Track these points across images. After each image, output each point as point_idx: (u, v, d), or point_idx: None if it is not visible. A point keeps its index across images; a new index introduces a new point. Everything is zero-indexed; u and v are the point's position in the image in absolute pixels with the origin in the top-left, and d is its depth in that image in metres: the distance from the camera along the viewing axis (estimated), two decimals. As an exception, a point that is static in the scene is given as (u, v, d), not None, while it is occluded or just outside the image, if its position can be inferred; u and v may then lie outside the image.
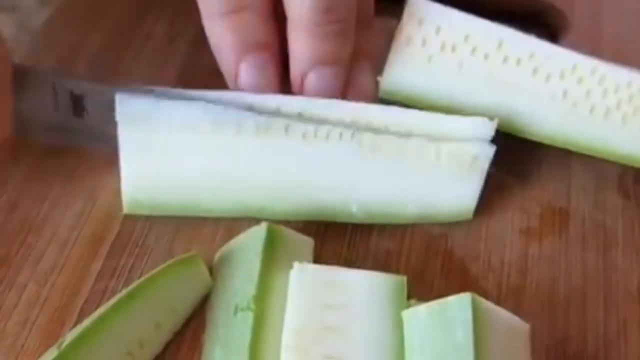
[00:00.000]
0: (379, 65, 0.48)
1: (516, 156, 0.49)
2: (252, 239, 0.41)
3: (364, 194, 0.45)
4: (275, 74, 0.45)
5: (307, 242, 0.43)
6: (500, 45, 0.48)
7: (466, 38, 0.48)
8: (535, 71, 0.48)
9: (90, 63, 0.53)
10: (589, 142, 0.48)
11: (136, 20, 0.56)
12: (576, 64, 0.48)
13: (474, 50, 0.48)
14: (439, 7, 0.48)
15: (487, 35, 0.48)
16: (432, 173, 0.45)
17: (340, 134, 0.44)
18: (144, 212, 0.45)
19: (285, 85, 0.45)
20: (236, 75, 0.44)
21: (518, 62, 0.48)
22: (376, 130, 0.45)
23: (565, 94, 0.47)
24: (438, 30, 0.47)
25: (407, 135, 0.45)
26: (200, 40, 0.45)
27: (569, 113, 0.48)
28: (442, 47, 0.48)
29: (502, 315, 0.37)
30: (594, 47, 0.56)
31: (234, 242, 0.43)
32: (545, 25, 0.59)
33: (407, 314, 0.37)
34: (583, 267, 0.45)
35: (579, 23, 0.58)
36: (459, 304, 0.36)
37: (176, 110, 0.43)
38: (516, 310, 0.42)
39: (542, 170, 0.49)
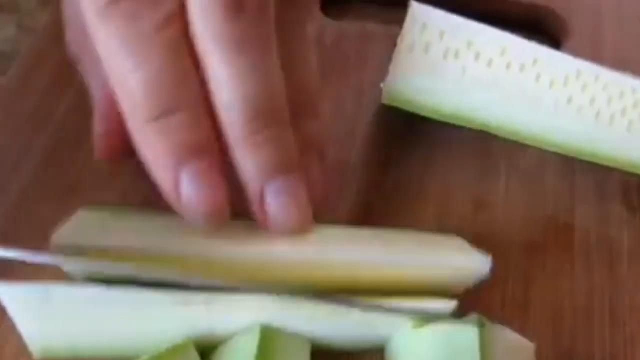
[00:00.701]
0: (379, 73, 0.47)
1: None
2: (244, 344, 0.37)
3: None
4: (220, 180, 0.38)
5: (303, 344, 0.39)
6: (503, 51, 0.47)
7: (469, 44, 0.47)
8: (538, 77, 0.47)
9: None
10: (594, 149, 0.48)
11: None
12: (580, 70, 0.47)
13: (477, 56, 0.47)
14: (441, 13, 0.47)
15: (490, 41, 0.47)
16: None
17: None
18: (61, 356, 0.38)
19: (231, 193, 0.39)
20: (176, 188, 0.37)
21: (521, 68, 0.47)
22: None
23: (569, 100, 0.47)
24: (441, 36, 0.47)
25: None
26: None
27: (574, 119, 0.47)
28: (445, 53, 0.47)
29: (507, 336, 0.37)
30: (595, 53, 0.56)
31: (224, 348, 0.38)
32: (545, 32, 0.59)
33: (411, 336, 0.37)
34: (588, 281, 0.44)
35: (580, 29, 0.57)
36: (465, 327, 0.35)
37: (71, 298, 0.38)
38: (521, 326, 0.42)
39: (545, 183, 0.48)
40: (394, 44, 0.48)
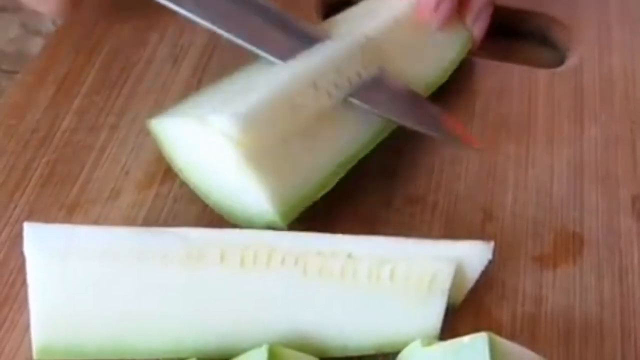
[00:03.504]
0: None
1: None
2: None
3: (312, 328, 0.40)
4: None
5: None
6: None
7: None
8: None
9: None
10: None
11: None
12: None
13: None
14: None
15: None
16: (388, 297, 0.40)
17: (283, 259, 0.39)
18: (58, 358, 0.39)
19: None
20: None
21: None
22: (323, 254, 0.40)
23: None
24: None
25: (358, 258, 0.40)
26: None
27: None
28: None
29: (518, 351, 0.36)
30: (601, 62, 0.55)
31: None
32: (552, 42, 0.58)
33: (421, 353, 0.36)
34: (599, 294, 0.44)
35: (586, 38, 0.57)
36: (475, 343, 0.35)
37: (94, 239, 0.39)
38: (532, 340, 0.42)
39: (554, 195, 0.48)
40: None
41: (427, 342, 0.37)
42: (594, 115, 0.52)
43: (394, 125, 0.48)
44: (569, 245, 0.46)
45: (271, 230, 0.41)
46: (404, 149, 0.50)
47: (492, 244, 0.41)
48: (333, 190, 0.44)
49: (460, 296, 0.42)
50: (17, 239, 0.44)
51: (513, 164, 0.49)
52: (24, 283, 0.39)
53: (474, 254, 0.41)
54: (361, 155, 0.46)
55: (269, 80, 0.45)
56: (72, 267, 0.38)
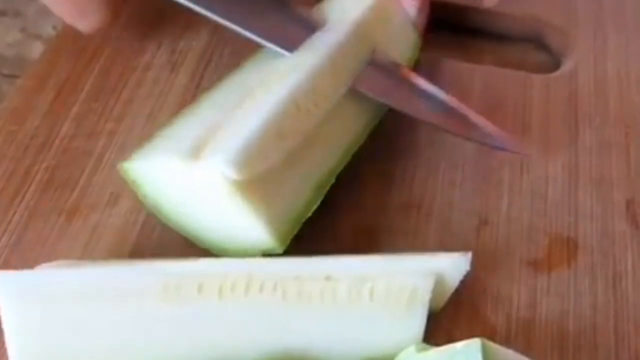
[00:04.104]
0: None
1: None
2: None
3: (295, 351, 0.40)
4: None
5: None
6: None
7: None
8: None
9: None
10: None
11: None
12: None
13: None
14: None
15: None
16: (370, 314, 0.40)
17: (261, 286, 0.39)
18: None
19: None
20: None
21: None
22: (300, 278, 0.40)
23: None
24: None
25: (337, 279, 0.40)
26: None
27: None
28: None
29: (511, 357, 0.37)
30: (597, 66, 0.56)
31: None
32: (547, 46, 0.59)
33: (414, 359, 0.37)
34: (593, 298, 0.44)
35: (582, 43, 0.57)
36: (469, 349, 0.35)
37: (68, 281, 0.38)
38: (526, 345, 0.42)
39: (548, 200, 0.48)
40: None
41: (421, 347, 0.37)
42: (588, 120, 0.52)
43: (371, 129, 0.48)
44: (563, 249, 0.46)
45: (266, 256, 0.41)
46: (399, 155, 0.50)
47: (469, 255, 0.41)
48: (327, 200, 0.45)
49: (440, 304, 0.42)
50: (16, 245, 0.45)
51: (508, 169, 0.50)
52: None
53: (452, 266, 0.41)
54: (343, 164, 0.46)
55: (254, 106, 0.44)
56: (47, 311, 0.38)
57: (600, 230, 0.47)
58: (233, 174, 0.40)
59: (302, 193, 0.44)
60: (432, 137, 0.51)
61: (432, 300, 0.41)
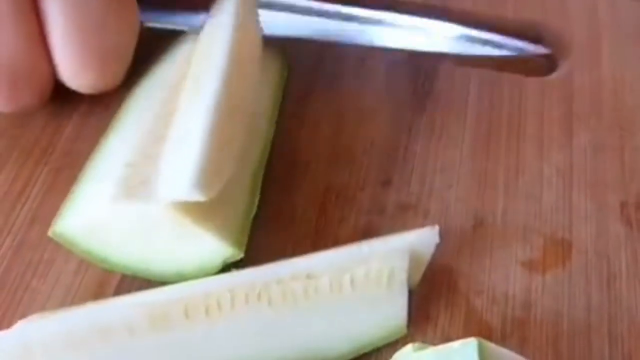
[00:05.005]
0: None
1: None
2: None
3: (288, 352, 0.40)
4: None
5: None
6: None
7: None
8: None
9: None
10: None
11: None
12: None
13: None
14: None
15: None
16: (354, 302, 0.41)
17: (246, 297, 0.39)
18: None
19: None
20: None
21: None
22: (282, 281, 0.40)
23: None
24: None
25: (317, 276, 0.40)
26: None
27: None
28: None
29: (507, 356, 0.37)
30: (592, 69, 0.56)
31: None
32: (542, 49, 0.59)
33: (412, 358, 0.37)
34: (587, 299, 0.45)
35: (577, 45, 0.58)
36: (464, 349, 0.35)
37: (52, 330, 0.37)
38: (521, 344, 0.42)
39: (543, 201, 0.49)
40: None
41: (418, 347, 0.38)
42: (583, 122, 0.53)
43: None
44: (558, 250, 0.47)
45: (228, 267, 0.41)
46: (396, 155, 0.51)
47: (436, 227, 0.42)
48: (325, 200, 0.45)
49: (417, 279, 0.43)
50: (20, 247, 0.45)
51: (503, 171, 0.50)
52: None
53: (423, 241, 0.42)
54: (266, 154, 0.47)
55: (183, 126, 0.43)
56: None
57: (594, 231, 0.48)
58: (200, 197, 0.39)
59: (240, 189, 0.44)
60: (429, 137, 0.52)
61: (409, 277, 0.42)
